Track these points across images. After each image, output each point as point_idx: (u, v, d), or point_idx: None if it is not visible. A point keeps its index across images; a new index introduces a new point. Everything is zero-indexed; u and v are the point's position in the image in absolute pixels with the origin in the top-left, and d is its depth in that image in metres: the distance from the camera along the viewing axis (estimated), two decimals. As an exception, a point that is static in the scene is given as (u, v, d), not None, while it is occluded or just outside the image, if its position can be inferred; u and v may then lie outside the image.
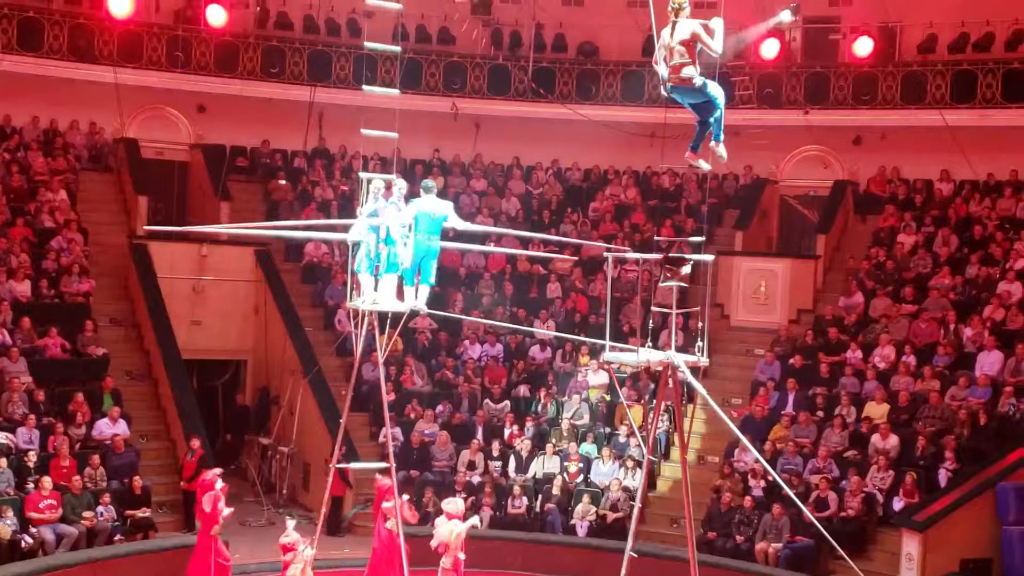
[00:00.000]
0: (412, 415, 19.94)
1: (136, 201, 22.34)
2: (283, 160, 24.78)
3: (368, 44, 14.32)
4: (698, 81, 9.99)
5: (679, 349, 10.69)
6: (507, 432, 19.83)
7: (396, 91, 14.59)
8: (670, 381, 10.71)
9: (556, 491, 18.52)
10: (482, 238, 20.51)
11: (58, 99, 22.87)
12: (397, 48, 14.55)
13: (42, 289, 19.62)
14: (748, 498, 17.53)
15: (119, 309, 21.10)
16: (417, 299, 12.82)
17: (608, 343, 10.86)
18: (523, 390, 20.86)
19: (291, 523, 13.98)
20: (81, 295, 20.03)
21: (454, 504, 14.48)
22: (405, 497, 15.22)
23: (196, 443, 17.98)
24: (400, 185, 13.44)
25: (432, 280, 12.72)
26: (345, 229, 13.67)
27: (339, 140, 24.81)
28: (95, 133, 23.56)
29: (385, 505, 14.54)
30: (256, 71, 24.02)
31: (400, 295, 13.67)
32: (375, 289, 13.49)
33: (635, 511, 10.99)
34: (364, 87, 14.38)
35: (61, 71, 22.47)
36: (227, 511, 14.97)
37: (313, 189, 24.01)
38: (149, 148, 23.64)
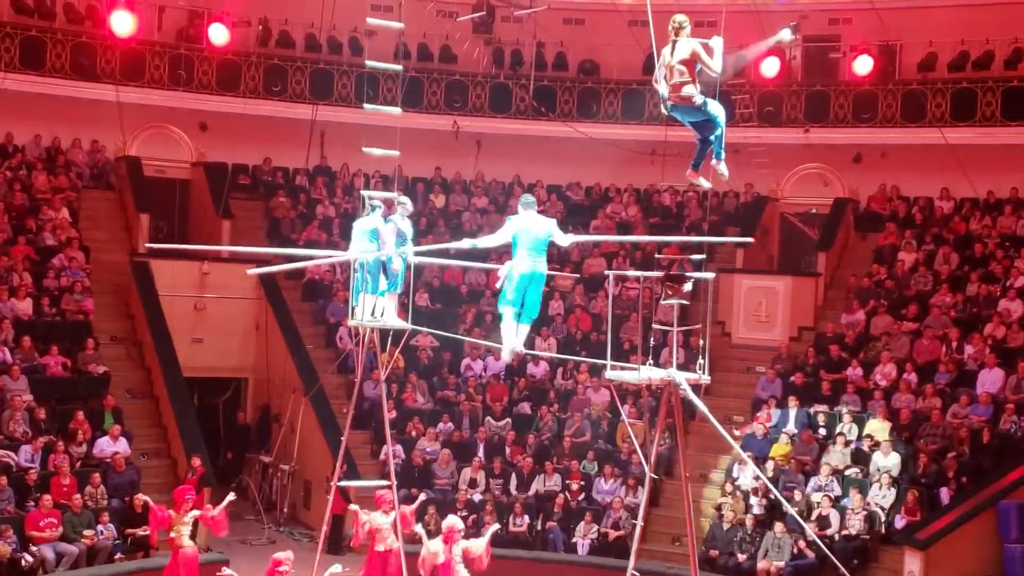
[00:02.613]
0: (413, 433, 19.92)
1: (138, 219, 22.38)
2: (285, 178, 24.82)
3: (370, 63, 14.37)
4: (698, 99, 10.02)
5: (680, 367, 10.69)
6: (508, 450, 19.82)
7: (398, 109, 14.64)
8: (671, 399, 10.70)
9: (557, 509, 18.49)
10: (483, 255, 20.50)
11: (60, 117, 22.92)
12: (399, 67, 14.61)
13: (43, 307, 19.63)
14: (750, 516, 17.50)
15: (120, 327, 21.11)
16: (517, 337, 11.03)
17: (609, 362, 10.86)
18: (525, 407, 20.85)
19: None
20: (82, 313, 20.03)
21: (448, 523, 14.48)
22: (408, 508, 15.18)
23: (197, 461, 17.96)
24: (404, 202, 13.46)
25: (535, 312, 11.00)
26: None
27: (341, 158, 24.85)
28: (97, 151, 23.61)
29: (379, 520, 14.52)
30: (258, 89, 24.08)
31: (402, 313, 13.68)
32: (375, 307, 13.52)
33: (637, 529, 10.97)
34: (366, 105, 14.42)
35: (63, 89, 22.51)
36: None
37: (315, 207, 24.05)
38: (151, 166, 23.69)
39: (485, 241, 11.49)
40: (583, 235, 24.00)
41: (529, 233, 10.80)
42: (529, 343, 21.21)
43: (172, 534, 14.65)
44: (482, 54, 25.37)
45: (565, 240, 11.27)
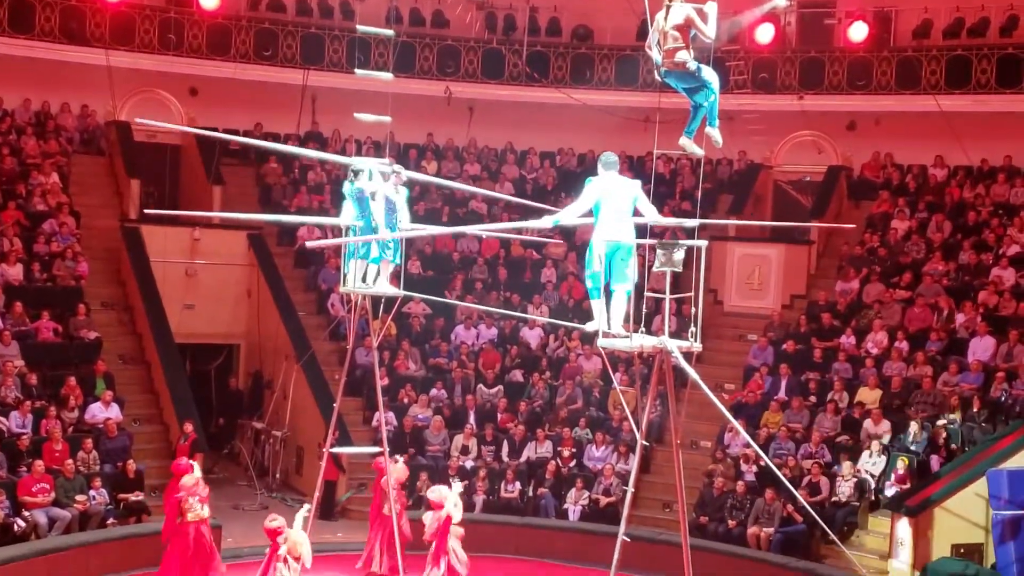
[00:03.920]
0: (405, 400, 19.94)
1: (128, 184, 22.28)
2: (276, 143, 24.70)
3: (361, 27, 14.27)
4: (692, 65, 9.96)
5: (672, 334, 10.68)
6: (499, 417, 19.86)
7: (389, 75, 14.56)
8: (663, 366, 10.70)
9: (548, 476, 18.55)
10: (476, 220, 20.46)
11: (49, 81, 22.77)
12: (390, 32, 14.51)
13: (34, 273, 19.57)
14: (740, 483, 17.57)
15: (111, 293, 21.07)
16: (611, 321, 9.94)
17: (601, 329, 10.85)
18: (517, 375, 20.87)
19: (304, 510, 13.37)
20: (74, 278, 19.98)
21: (437, 492, 14.50)
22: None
23: (189, 427, 17.98)
24: (399, 170, 13.40)
25: (626, 280, 9.81)
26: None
27: (332, 124, 24.73)
28: (87, 116, 23.48)
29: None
30: (249, 54, 23.93)
31: (394, 280, 13.65)
32: (367, 274, 13.50)
33: (628, 496, 10.98)
34: (357, 71, 14.37)
35: (53, 53, 22.35)
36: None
37: (306, 173, 23.95)
38: (141, 131, 23.56)
39: (567, 215, 10.24)
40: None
41: (612, 198, 9.99)
42: (522, 309, 21.32)
43: (190, 515, 14.52)
44: (475, 19, 25.22)
45: (652, 211, 10.23)
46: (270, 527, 12.87)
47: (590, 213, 10.10)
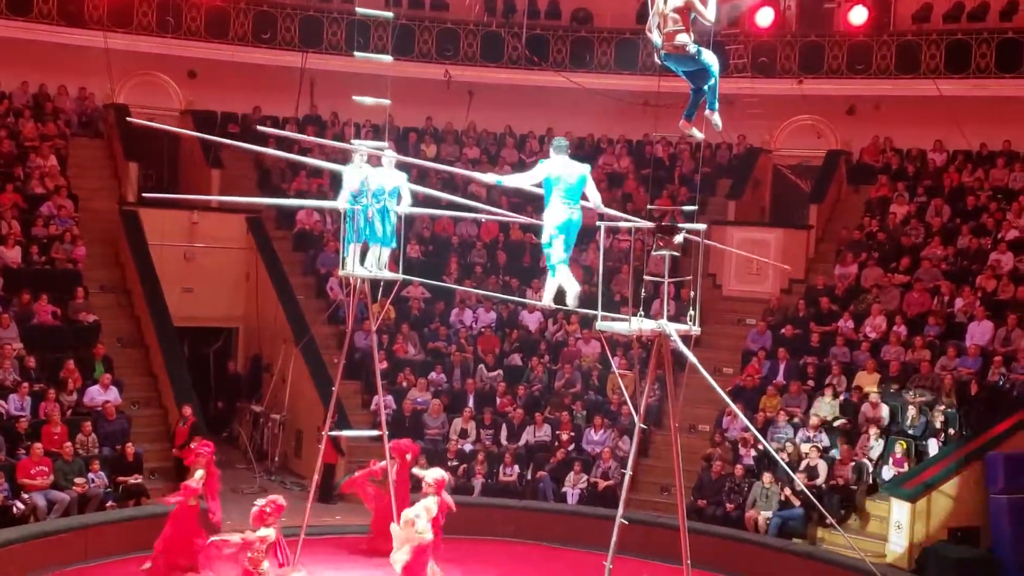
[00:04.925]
0: (404, 383, 19.95)
1: (127, 167, 22.24)
2: (274, 127, 24.62)
3: (360, 10, 14.25)
4: (692, 49, 9.93)
5: (671, 318, 10.70)
6: (498, 400, 19.88)
7: (388, 58, 14.52)
8: (662, 350, 10.72)
9: (553, 461, 18.56)
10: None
11: (48, 64, 22.69)
12: (390, 14, 14.50)
13: (32, 255, 19.56)
14: (738, 466, 17.61)
15: (110, 276, 21.05)
16: (569, 291, 10.41)
17: (600, 312, 10.87)
18: (516, 359, 20.88)
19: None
20: (71, 261, 19.96)
21: (431, 475, 14.53)
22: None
23: (188, 410, 18.00)
24: (389, 155, 13.39)
25: (566, 258, 10.42)
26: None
27: (331, 107, 24.67)
28: (85, 99, 23.42)
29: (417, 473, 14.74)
30: (247, 36, 23.87)
31: (393, 264, 13.65)
32: (365, 257, 13.51)
33: (626, 479, 11.01)
34: (356, 53, 14.33)
35: (51, 36, 22.30)
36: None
37: (305, 155, 23.88)
38: (139, 114, 23.47)
39: (511, 179, 11.14)
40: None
41: (562, 179, 10.41)
42: (520, 295, 21.33)
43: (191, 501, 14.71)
44: (474, 2, 25.14)
45: (597, 197, 10.74)
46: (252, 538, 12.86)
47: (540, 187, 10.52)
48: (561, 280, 10.43)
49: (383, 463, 15.25)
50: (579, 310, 11.42)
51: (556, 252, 10.36)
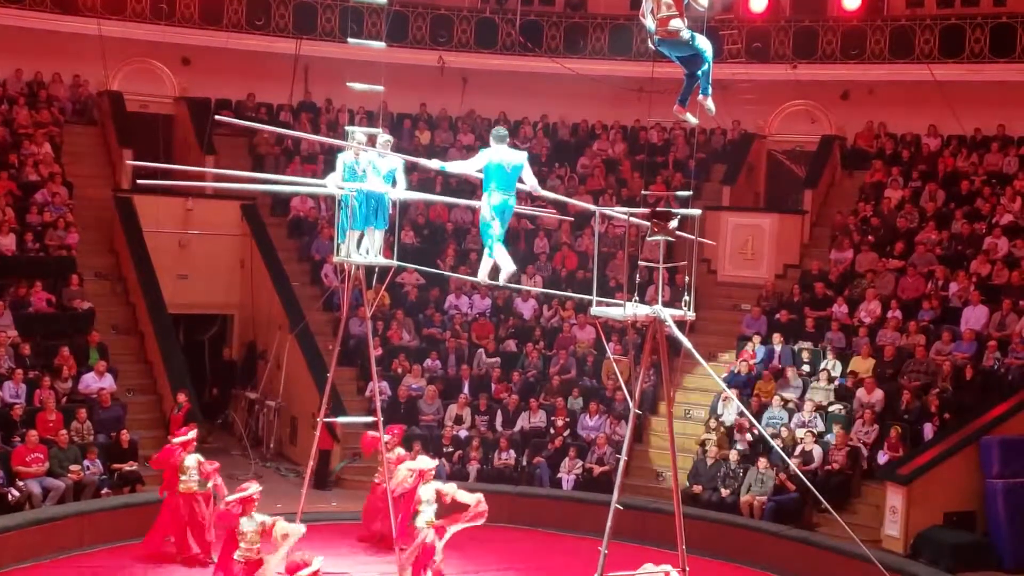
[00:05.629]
0: (399, 370, 19.96)
1: (121, 154, 22.18)
2: (268, 113, 24.61)
3: (354, -4, 14.18)
4: (685, 34, 9.93)
5: (666, 304, 10.71)
6: (493, 387, 19.89)
7: (382, 44, 14.52)
8: (656, 335, 10.72)
9: (550, 447, 18.58)
10: (470, 192, 20.41)
11: (41, 51, 22.63)
12: (383, 0, 14.42)
13: (27, 243, 19.53)
14: (733, 452, 17.64)
15: (104, 263, 21.03)
16: (503, 269, 10.98)
17: (595, 298, 10.88)
18: (511, 345, 20.89)
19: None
20: (65, 248, 19.94)
21: (423, 462, 14.56)
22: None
23: (183, 397, 18.00)
24: (385, 140, 13.38)
25: (501, 236, 11.01)
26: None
27: (325, 93, 24.64)
28: (79, 86, 23.36)
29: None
30: (241, 23, 23.79)
31: (388, 250, 13.65)
32: (360, 243, 13.50)
33: (621, 465, 11.03)
34: (350, 40, 14.31)
35: (44, 23, 22.21)
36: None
37: (299, 143, 23.86)
38: (133, 101, 23.45)
39: (453, 166, 11.75)
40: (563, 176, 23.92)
41: (501, 166, 10.90)
42: (516, 281, 21.31)
43: (181, 487, 14.73)
44: (467, -12, 25.09)
45: (534, 182, 11.20)
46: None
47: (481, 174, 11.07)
48: (497, 257, 10.97)
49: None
50: (574, 295, 11.46)
51: (493, 231, 10.93)
